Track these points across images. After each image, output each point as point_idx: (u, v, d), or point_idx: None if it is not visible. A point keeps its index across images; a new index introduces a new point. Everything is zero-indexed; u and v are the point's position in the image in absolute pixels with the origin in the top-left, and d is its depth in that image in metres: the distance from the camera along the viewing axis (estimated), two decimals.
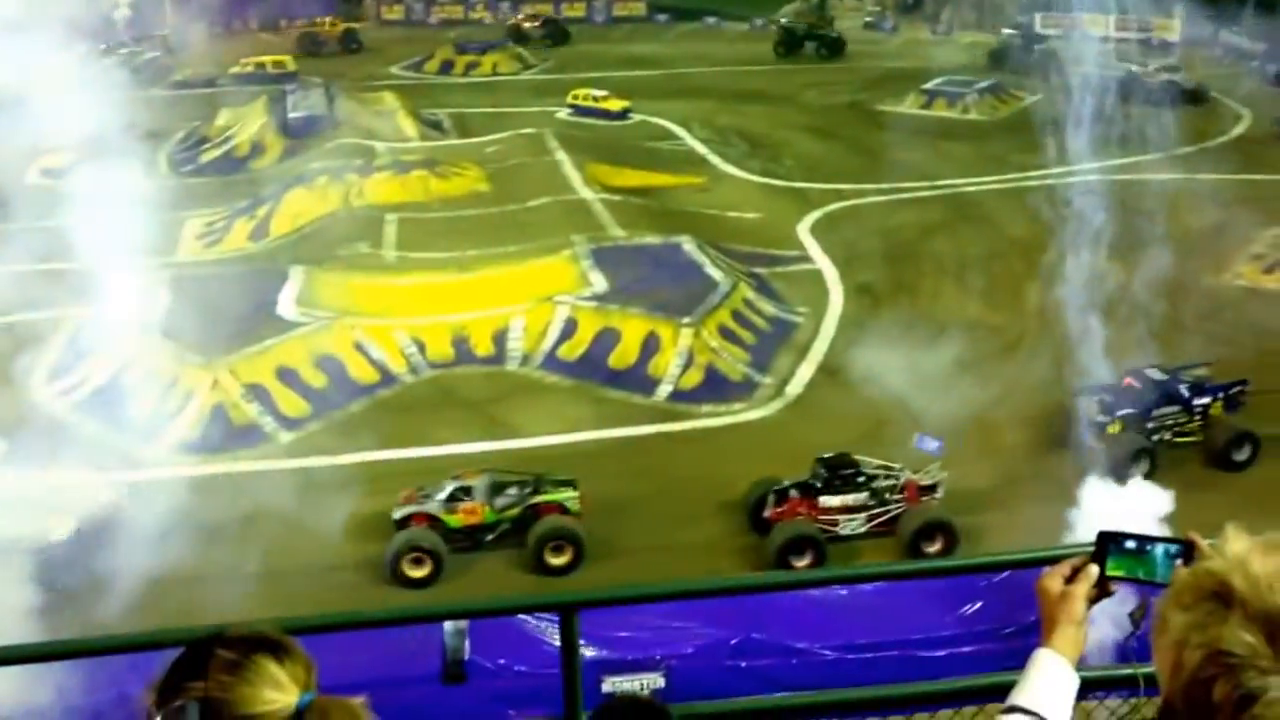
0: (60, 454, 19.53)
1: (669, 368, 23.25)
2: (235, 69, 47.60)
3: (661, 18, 67.83)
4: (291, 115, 39.12)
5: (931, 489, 19.17)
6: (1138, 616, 2.61)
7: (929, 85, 46.35)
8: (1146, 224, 30.56)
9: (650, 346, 23.69)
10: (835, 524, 18.79)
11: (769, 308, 26.34)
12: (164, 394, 21.57)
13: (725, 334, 24.41)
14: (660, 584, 8.87)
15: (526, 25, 62.29)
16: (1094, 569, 2.60)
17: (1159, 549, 2.60)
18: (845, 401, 22.81)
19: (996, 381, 22.82)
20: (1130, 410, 20.52)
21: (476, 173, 34.61)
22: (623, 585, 10.71)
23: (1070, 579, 2.61)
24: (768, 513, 18.56)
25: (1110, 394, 20.73)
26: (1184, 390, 21.06)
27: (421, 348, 23.83)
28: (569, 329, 24.28)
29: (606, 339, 24.00)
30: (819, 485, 18.81)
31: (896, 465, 19.33)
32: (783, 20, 58.20)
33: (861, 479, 18.96)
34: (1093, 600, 2.61)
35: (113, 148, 23.86)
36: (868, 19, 65.30)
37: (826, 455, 19.35)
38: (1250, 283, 27.77)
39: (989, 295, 27.29)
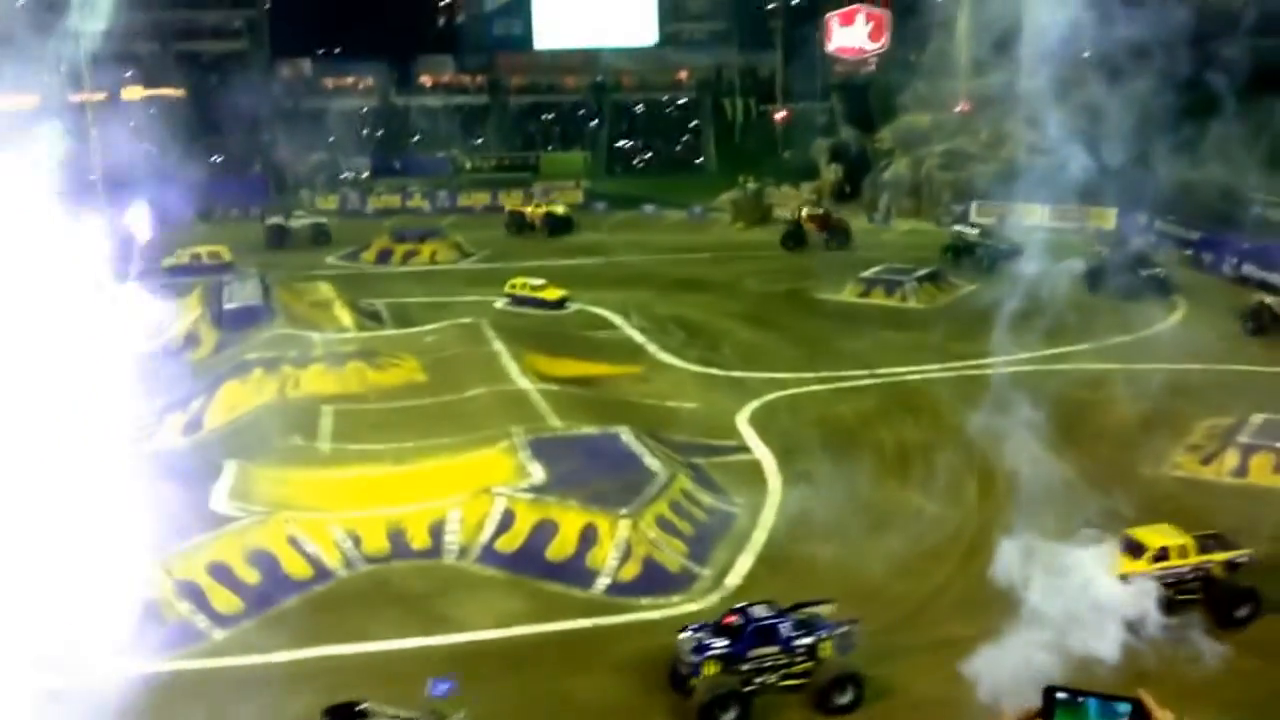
0: None
1: (607, 560, 24.55)
2: (170, 260, 49.79)
3: (599, 206, 71.82)
4: (227, 306, 41.03)
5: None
6: None
7: (867, 274, 49.50)
8: (1084, 414, 32.93)
9: (588, 538, 25.03)
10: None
11: (707, 499, 27.92)
12: (94, 593, 22.44)
13: (664, 525, 25.83)
14: None
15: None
16: None
17: (1105, 706, 2.64)
18: (784, 594, 24.08)
19: (932, 576, 24.44)
20: (725, 650, 20.15)
21: (413, 363, 36.42)
22: None
23: None
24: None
25: (709, 632, 20.54)
26: (787, 629, 20.45)
27: (357, 541, 25.03)
28: (507, 521, 25.62)
29: (544, 531, 25.34)
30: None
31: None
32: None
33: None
34: None
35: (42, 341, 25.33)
36: (804, 208, 69.56)
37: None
38: (1189, 474, 29.41)
39: (928, 485, 28.88)
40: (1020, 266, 40.55)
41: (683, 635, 20.72)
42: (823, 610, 21.29)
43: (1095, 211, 60.68)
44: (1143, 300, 44.00)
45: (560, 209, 65.73)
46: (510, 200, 70.07)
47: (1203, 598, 22.51)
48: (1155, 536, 23.07)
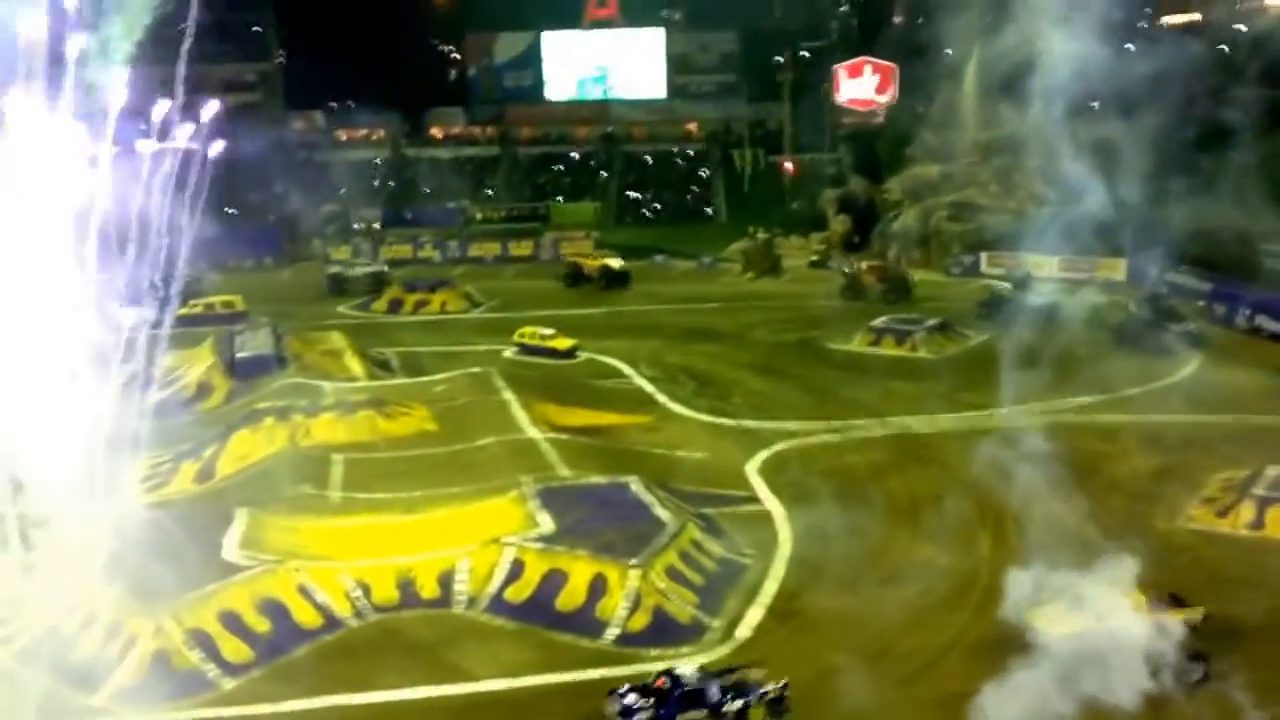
0: None
1: (617, 610, 24.58)
2: (183, 310, 50.20)
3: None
4: (239, 355, 41.38)
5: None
6: None
7: (877, 323, 49.71)
8: (1098, 465, 32.92)
9: (598, 588, 25.07)
10: None
11: (717, 549, 27.93)
12: (105, 640, 22.59)
13: (673, 576, 25.86)
14: None
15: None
16: None
17: None
18: (794, 646, 24.06)
19: (944, 629, 24.40)
20: (651, 713, 20.49)
21: (424, 412, 36.64)
22: None
23: None
24: None
25: (638, 694, 20.83)
26: (714, 693, 20.66)
27: (366, 591, 25.10)
28: (516, 571, 25.68)
29: (554, 581, 25.37)
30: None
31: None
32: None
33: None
34: None
35: (55, 392, 25.69)
36: (814, 258, 70.01)
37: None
38: (1204, 526, 29.23)
39: (939, 536, 28.75)
40: (1047, 317, 40.91)
41: (611, 697, 20.93)
42: (752, 674, 21.39)
43: (1105, 262, 60.92)
44: (1171, 356, 43.96)
45: (616, 263, 64.74)
46: (572, 248, 70.20)
47: None
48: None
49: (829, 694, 21.77)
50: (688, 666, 21.32)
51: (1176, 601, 22.51)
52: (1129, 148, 40.03)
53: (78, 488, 25.23)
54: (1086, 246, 58.86)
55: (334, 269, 66.05)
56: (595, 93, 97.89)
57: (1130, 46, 52.26)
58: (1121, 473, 32.51)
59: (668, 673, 21.12)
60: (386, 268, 67.12)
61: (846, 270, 61.38)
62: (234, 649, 22.89)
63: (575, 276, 64.31)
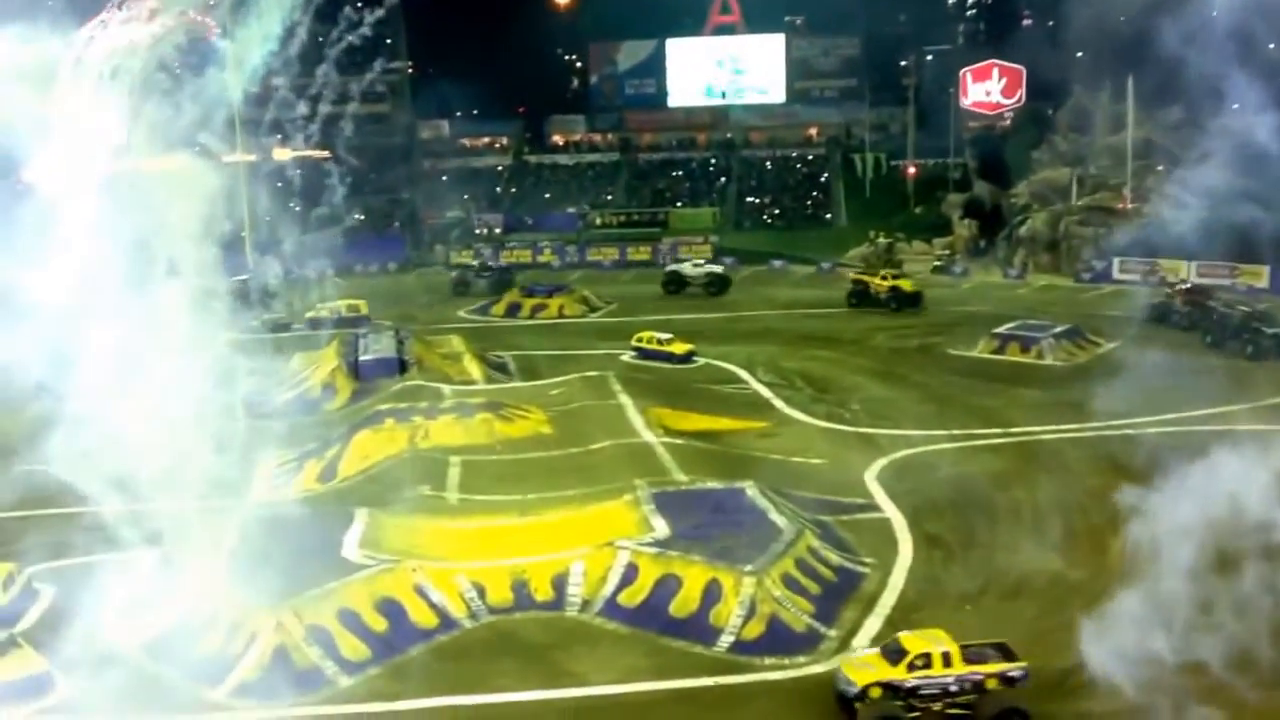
0: (127, 697, 20.98)
1: (731, 617, 24.06)
2: (310, 313, 51.55)
3: (728, 261, 71.86)
4: (362, 358, 42.13)
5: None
6: None
7: (1001, 330, 48.22)
8: (1239, 478, 31.16)
9: (712, 595, 24.58)
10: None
11: (834, 557, 27.22)
12: (229, 635, 22.99)
13: (789, 583, 25.23)
14: None
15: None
16: None
17: None
18: None
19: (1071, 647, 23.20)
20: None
21: (540, 415, 36.72)
22: None
23: None
24: None
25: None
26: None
27: (481, 592, 25.08)
28: (630, 575, 25.35)
29: (667, 586, 24.97)
30: None
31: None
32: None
33: None
34: None
35: (191, 391, 26.29)
36: (937, 263, 68.50)
37: None
38: None
39: (1067, 549, 27.64)
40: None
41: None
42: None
43: (1247, 269, 58.36)
44: None
45: (719, 270, 64.21)
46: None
47: (973, 714, 20.86)
48: (919, 642, 21.38)
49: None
50: None
51: (1004, 654, 21.39)
52: (1273, 148, 37.97)
53: (205, 485, 25.75)
54: (1226, 252, 56.61)
55: (457, 271, 67.02)
56: (716, 99, 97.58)
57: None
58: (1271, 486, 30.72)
59: None
60: (508, 268, 67.93)
61: (854, 276, 60.22)
62: (352, 647, 23.06)
63: (677, 284, 63.70)
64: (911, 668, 20.95)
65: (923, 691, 20.83)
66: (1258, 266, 57.99)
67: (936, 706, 20.87)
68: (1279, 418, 36.27)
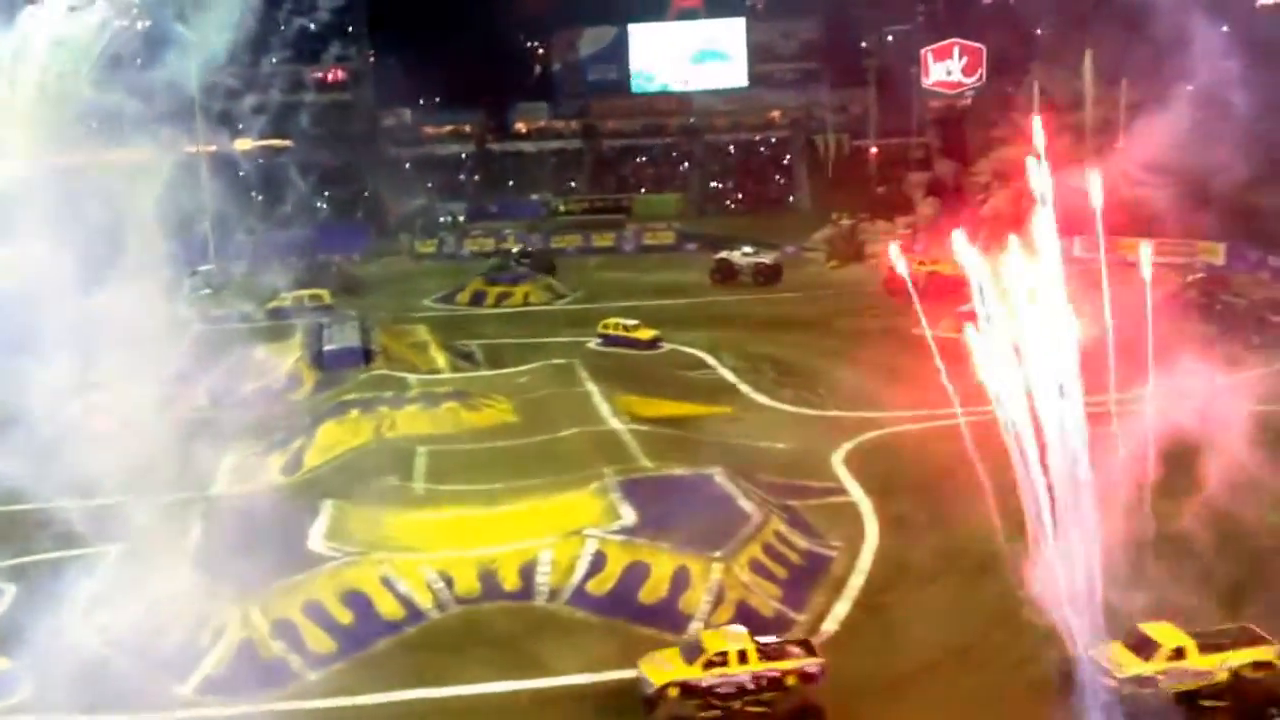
0: (93, 695, 20.67)
1: (700, 604, 24.05)
2: (273, 303, 50.90)
3: (691, 246, 71.62)
4: (326, 348, 41.69)
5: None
6: None
7: (964, 308, 48.21)
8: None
9: (680, 582, 24.55)
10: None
11: (802, 541, 27.24)
12: (194, 631, 22.72)
13: (757, 569, 25.25)
14: None
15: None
16: None
17: None
18: (884, 641, 23.40)
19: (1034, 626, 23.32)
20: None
21: (506, 404, 36.50)
22: None
23: None
24: None
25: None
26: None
27: (449, 582, 24.90)
28: (598, 563, 25.27)
29: (636, 573, 24.92)
30: None
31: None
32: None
33: None
34: None
35: (151, 383, 25.92)
36: (898, 243, 68.49)
37: None
38: None
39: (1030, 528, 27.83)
40: None
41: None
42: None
43: (1203, 245, 58.72)
44: None
45: (769, 259, 62.43)
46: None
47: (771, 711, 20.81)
48: (717, 640, 21.36)
49: (918, 687, 21.25)
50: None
51: (807, 649, 21.49)
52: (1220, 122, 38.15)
53: (168, 479, 25.41)
54: (1184, 229, 56.94)
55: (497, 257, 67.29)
56: (679, 84, 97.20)
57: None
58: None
59: None
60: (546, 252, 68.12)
61: (717, 256, 61.80)
62: (318, 640, 22.88)
63: (725, 273, 62.70)
64: (708, 666, 20.72)
65: (719, 690, 20.59)
66: (1214, 244, 58.35)
67: (736, 704, 20.62)
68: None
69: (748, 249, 63.46)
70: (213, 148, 58.75)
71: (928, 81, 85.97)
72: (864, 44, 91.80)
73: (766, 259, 62.65)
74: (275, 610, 23.10)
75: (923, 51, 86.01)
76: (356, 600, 23.98)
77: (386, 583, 24.51)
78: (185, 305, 47.43)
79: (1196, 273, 55.12)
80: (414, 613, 24.20)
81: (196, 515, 26.72)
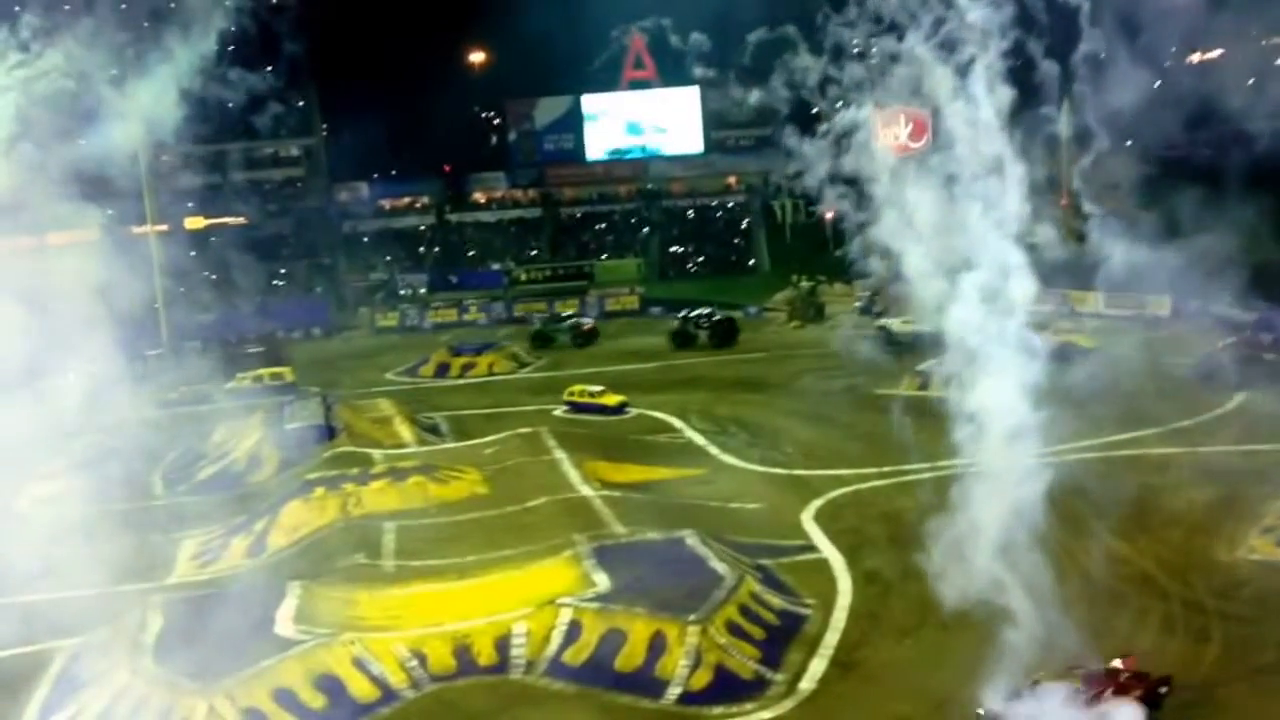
0: None
1: (677, 668, 23.83)
2: (231, 384, 50.43)
3: (655, 310, 71.98)
4: (288, 426, 41.29)
5: None
6: None
7: (924, 366, 48.74)
8: (1156, 500, 31.83)
9: (657, 647, 24.32)
10: None
11: (777, 601, 27.14)
12: None
13: (734, 630, 25.09)
14: None
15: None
16: None
17: None
18: (860, 697, 23.35)
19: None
20: None
21: (475, 475, 36.25)
22: None
23: None
24: None
25: None
26: None
27: (423, 660, 24.52)
28: (573, 632, 25.00)
29: (612, 641, 24.66)
30: None
31: None
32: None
33: None
34: None
35: (104, 472, 25.53)
36: (857, 304, 69.21)
37: None
38: (1265, 557, 28.26)
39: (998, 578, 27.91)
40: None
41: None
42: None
43: (1152, 300, 59.49)
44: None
45: (720, 315, 63.05)
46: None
47: None
48: None
49: None
50: None
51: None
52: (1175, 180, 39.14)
53: (124, 569, 24.95)
54: (1131, 284, 57.75)
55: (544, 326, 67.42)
56: (635, 151, 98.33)
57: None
58: (1178, 506, 31.51)
59: None
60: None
61: (677, 318, 62.38)
62: None
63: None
64: None
65: None
66: (1161, 297, 59.03)
67: None
68: (1184, 440, 36.98)
69: (703, 311, 64.25)
70: (164, 227, 58.54)
71: (878, 145, 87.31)
72: (815, 109, 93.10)
73: (717, 316, 63.40)
74: (243, 698, 22.58)
75: (870, 115, 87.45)
76: (328, 684, 23.49)
77: (359, 664, 24.08)
78: (139, 390, 47.05)
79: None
80: (388, 693, 23.76)
81: (156, 605, 26.16)
